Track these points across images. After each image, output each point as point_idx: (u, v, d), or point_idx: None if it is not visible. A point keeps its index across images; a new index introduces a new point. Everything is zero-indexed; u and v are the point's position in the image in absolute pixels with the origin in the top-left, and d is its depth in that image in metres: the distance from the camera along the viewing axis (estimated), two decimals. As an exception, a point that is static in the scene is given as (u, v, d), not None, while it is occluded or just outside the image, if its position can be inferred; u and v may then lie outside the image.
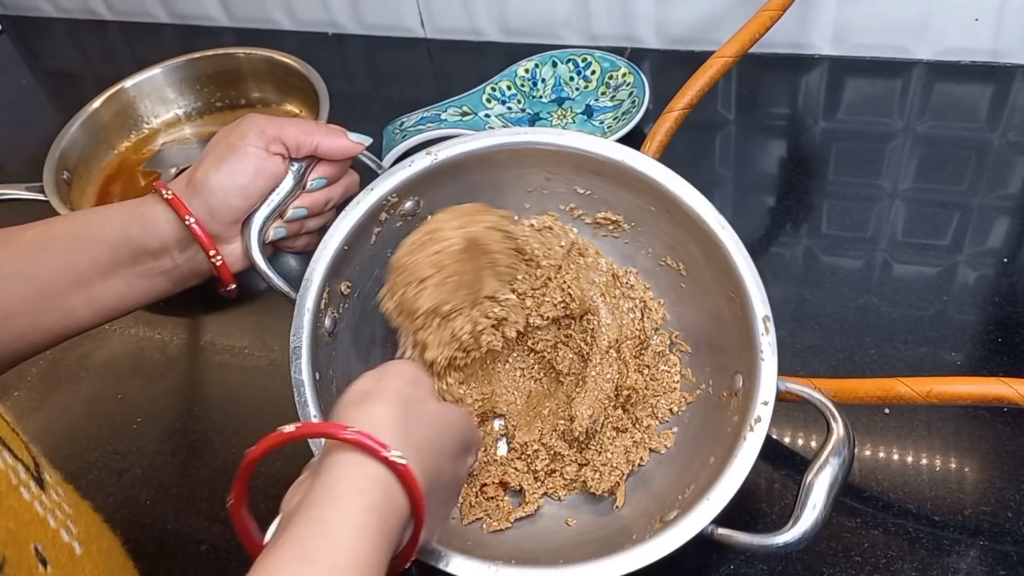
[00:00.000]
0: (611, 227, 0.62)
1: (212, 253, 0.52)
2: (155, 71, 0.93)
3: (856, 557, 0.52)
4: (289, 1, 1.03)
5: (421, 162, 0.58)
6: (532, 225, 0.63)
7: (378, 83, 0.98)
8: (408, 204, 0.59)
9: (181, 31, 1.11)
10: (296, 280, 0.54)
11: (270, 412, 0.66)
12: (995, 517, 0.53)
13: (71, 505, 0.40)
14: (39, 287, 0.50)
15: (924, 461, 0.56)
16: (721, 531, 0.46)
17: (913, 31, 0.83)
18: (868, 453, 0.57)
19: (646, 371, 0.59)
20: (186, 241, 0.52)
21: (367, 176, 0.59)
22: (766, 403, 0.49)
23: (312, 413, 0.51)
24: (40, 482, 0.38)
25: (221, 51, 0.94)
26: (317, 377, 0.53)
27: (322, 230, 0.57)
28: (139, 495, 0.63)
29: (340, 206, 0.57)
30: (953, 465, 0.56)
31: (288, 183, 0.53)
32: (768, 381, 0.50)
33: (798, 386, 0.50)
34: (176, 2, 1.10)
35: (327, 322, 0.55)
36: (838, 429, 0.48)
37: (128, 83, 0.92)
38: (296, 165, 0.54)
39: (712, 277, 0.57)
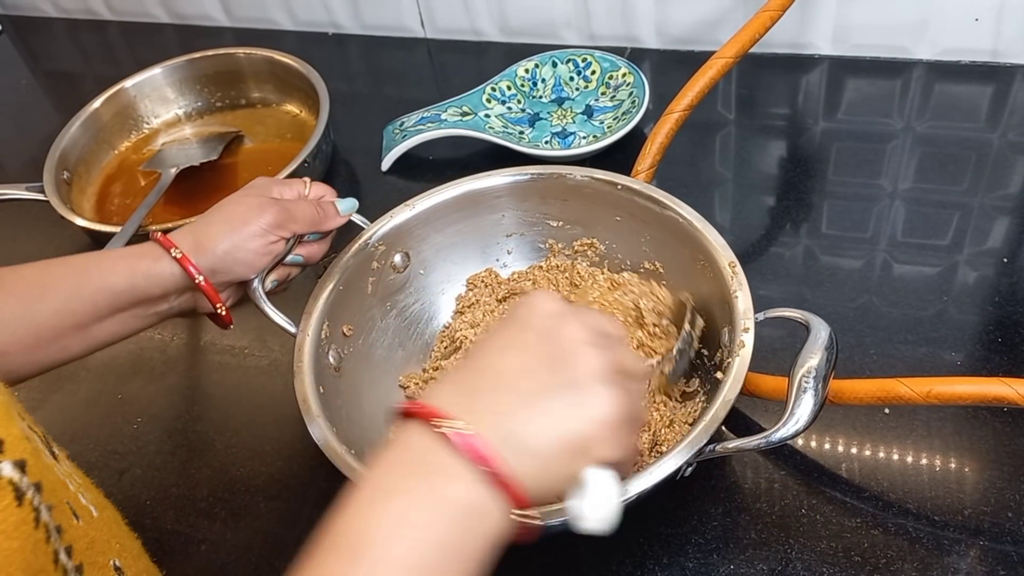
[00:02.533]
0: (589, 252, 0.66)
1: (219, 306, 0.57)
2: (155, 71, 0.94)
3: (856, 557, 0.52)
4: (289, 1, 1.04)
5: (401, 214, 0.64)
6: (540, 267, 0.67)
7: (378, 83, 0.98)
8: (397, 258, 0.65)
9: (181, 31, 1.11)
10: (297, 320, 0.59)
11: (270, 412, 0.66)
12: (995, 517, 0.53)
13: (79, 477, 0.41)
14: (38, 332, 0.51)
15: (924, 461, 0.56)
16: (719, 446, 0.48)
17: (913, 31, 0.83)
18: (868, 453, 0.57)
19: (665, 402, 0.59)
20: (184, 289, 0.56)
21: (357, 231, 0.64)
22: (747, 329, 0.51)
23: (317, 413, 0.53)
24: (52, 454, 0.39)
25: (221, 51, 0.94)
26: (321, 391, 0.55)
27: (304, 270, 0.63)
28: (139, 495, 0.63)
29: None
30: (953, 465, 0.56)
31: (284, 249, 0.59)
32: (744, 311, 0.52)
33: (776, 311, 0.52)
34: (176, 2, 1.10)
35: (331, 357, 0.59)
36: (818, 328, 0.49)
37: (128, 83, 0.92)
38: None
39: (685, 257, 0.59)
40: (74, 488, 0.39)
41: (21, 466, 0.32)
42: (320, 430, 0.51)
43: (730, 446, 0.48)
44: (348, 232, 0.64)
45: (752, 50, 0.74)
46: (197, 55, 0.94)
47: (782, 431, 0.46)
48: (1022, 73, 0.81)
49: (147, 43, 1.11)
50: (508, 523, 0.36)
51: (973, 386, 0.50)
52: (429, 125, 0.84)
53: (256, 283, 0.58)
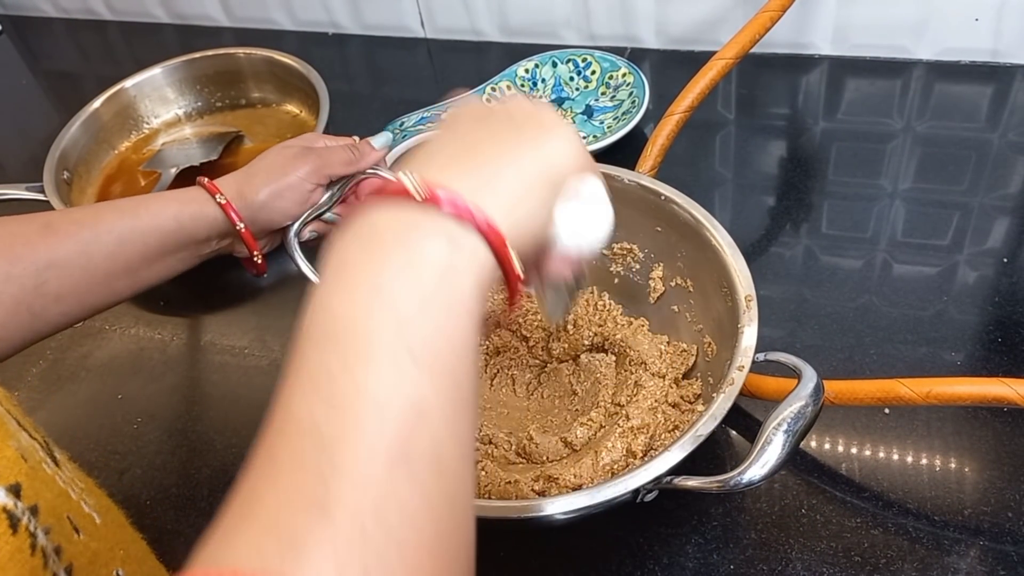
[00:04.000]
0: (628, 257, 0.65)
1: (255, 253, 0.60)
2: (155, 71, 0.94)
3: (856, 557, 0.52)
4: (289, 1, 1.04)
5: None
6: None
7: (378, 83, 0.98)
8: None
9: (181, 31, 1.11)
10: None
11: (270, 412, 0.66)
12: (995, 517, 0.53)
13: (81, 480, 0.41)
14: (91, 275, 0.54)
15: (924, 461, 0.56)
16: (678, 480, 0.47)
17: (913, 31, 0.83)
18: (868, 453, 0.57)
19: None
20: (225, 233, 0.59)
21: None
22: (742, 368, 0.50)
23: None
24: (54, 459, 0.39)
25: (221, 51, 0.94)
26: None
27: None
28: (139, 495, 0.63)
29: None
30: (953, 465, 0.56)
31: (325, 199, 0.62)
32: (745, 348, 0.51)
33: (775, 355, 0.51)
34: (176, 2, 1.10)
35: None
36: (808, 379, 0.48)
37: (128, 83, 0.92)
38: (336, 185, 0.62)
39: (711, 281, 0.58)
40: (76, 496, 0.38)
41: (15, 490, 0.32)
42: None
43: (689, 483, 0.47)
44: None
45: (752, 50, 0.74)
46: (197, 55, 0.94)
47: (741, 477, 0.45)
48: (1022, 73, 0.81)
49: (147, 43, 1.11)
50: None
51: (973, 386, 0.50)
52: (429, 125, 0.84)
53: (292, 233, 0.61)
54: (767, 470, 0.45)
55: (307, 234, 0.62)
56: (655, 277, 0.63)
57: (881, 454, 0.57)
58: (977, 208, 0.71)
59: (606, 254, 0.66)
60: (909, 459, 0.56)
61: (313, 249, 0.64)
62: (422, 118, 0.85)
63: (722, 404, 0.48)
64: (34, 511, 0.33)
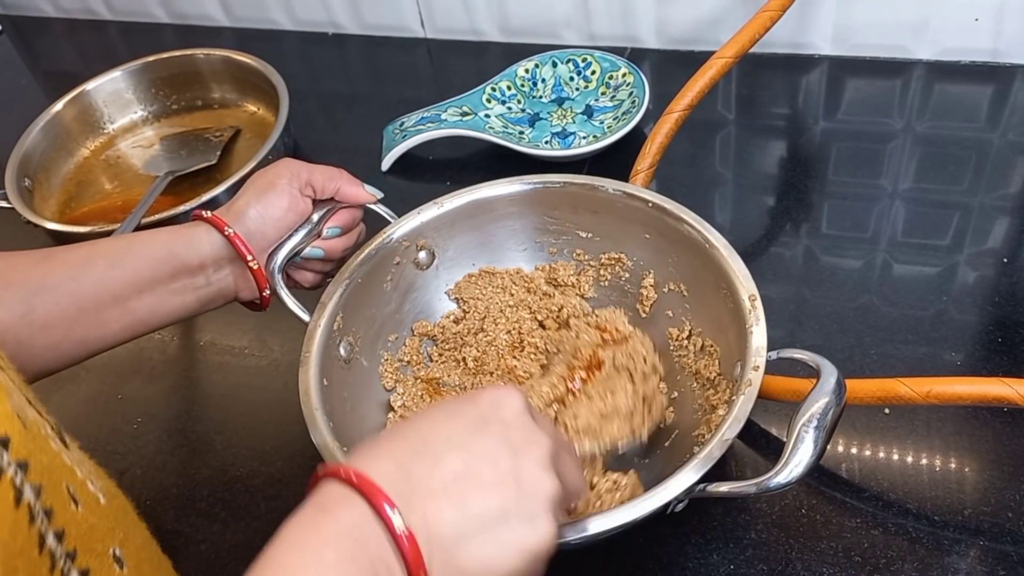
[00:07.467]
0: (616, 267, 0.65)
1: (249, 259, 0.57)
2: (115, 73, 0.94)
3: (856, 557, 0.52)
4: (289, 1, 1.03)
5: (429, 211, 0.64)
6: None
7: (378, 83, 0.98)
8: (422, 255, 0.65)
9: (181, 31, 1.11)
10: (311, 308, 0.59)
11: (270, 412, 0.66)
12: (995, 517, 0.53)
13: (92, 466, 0.41)
14: (79, 300, 0.52)
15: (924, 461, 0.56)
16: (711, 487, 0.47)
17: (913, 31, 0.83)
18: (868, 453, 0.57)
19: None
20: (221, 261, 0.57)
21: (381, 225, 0.64)
22: (756, 368, 0.49)
23: (316, 406, 0.53)
24: (63, 441, 0.39)
25: (179, 52, 0.95)
26: (325, 383, 0.55)
27: (329, 274, 0.63)
28: (139, 495, 0.62)
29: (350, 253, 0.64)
30: (953, 465, 0.56)
31: (309, 224, 0.60)
32: (757, 348, 0.50)
33: (789, 352, 0.51)
34: (176, 2, 1.10)
35: (342, 349, 0.59)
36: (828, 374, 0.47)
37: (89, 85, 0.93)
38: (318, 212, 0.60)
39: (707, 283, 0.58)
40: (82, 475, 0.38)
41: (4, 443, 0.32)
42: (318, 425, 0.52)
43: (722, 489, 0.46)
44: (372, 229, 0.64)
45: (752, 50, 0.74)
46: (161, 56, 0.94)
47: (777, 478, 0.45)
48: (1022, 73, 0.81)
49: (147, 43, 1.11)
50: None
51: (973, 386, 0.50)
52: (429, 125, 0.84)
53: (276, 266, 0.59)
54: (801, 470, 0.44)
55: (284, 257, 0.60)
56: (647, 285, 0.63)
57: (881, 454, 0.57)
58: (977, 208, 0.71)
59: (594, 265, 0.66)
60: (909, 459, 0.56)
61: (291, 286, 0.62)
62: (422, 118, 0.85)
63: (743, 406, 0.48)
64: (22, 466, 0.32)
